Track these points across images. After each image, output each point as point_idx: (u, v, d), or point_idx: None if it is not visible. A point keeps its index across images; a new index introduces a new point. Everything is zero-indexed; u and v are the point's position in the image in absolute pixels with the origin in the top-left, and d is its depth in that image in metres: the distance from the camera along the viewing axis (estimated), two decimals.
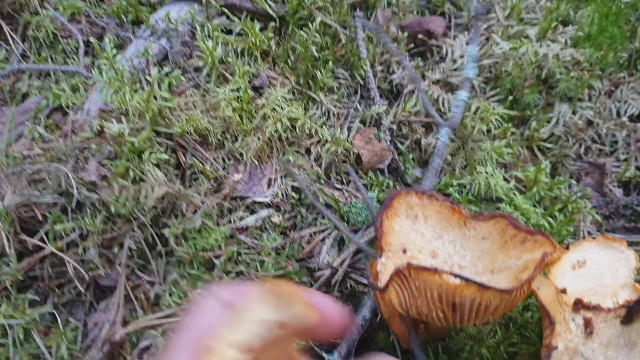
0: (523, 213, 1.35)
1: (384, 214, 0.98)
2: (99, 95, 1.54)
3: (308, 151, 1.51)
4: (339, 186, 1.46)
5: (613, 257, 1.17)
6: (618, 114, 1.54)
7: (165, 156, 1.40)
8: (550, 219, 1.36)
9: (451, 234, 1.01)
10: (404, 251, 0.97)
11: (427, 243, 1.00)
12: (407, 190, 1.02)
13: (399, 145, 1.52)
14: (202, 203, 1.41)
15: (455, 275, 0.81)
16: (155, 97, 1.46)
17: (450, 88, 1.58)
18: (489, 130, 1.51)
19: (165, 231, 1.37)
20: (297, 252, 1.39)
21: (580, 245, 1.19)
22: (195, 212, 1.40)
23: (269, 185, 1.47)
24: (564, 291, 1.03)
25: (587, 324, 0.97)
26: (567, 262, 1.12)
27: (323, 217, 1.43)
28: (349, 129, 1.54)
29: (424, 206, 1.02)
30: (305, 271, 1.38)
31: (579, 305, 0.98)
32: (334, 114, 1.54)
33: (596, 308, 0.98)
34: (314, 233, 1.42)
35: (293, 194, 1.44)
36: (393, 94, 1.61)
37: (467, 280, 0.80)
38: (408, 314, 0.92)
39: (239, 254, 1.37)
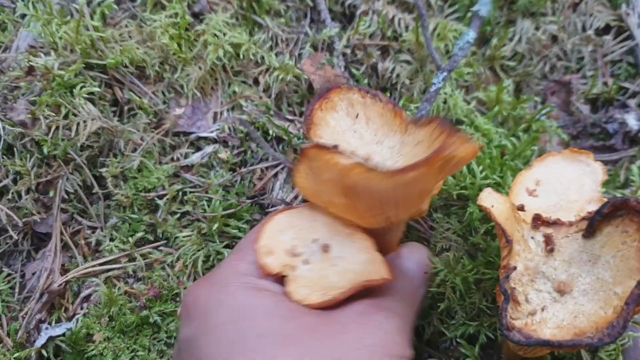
0: (484, 134, 1.28)
1: (317, 104, 0.89)
2: (28, 30, 1.40)
3: (256, 81, 1.40)
4: (290, 117, 1.36)
5: (579, 171, 1.10)
6: (583, 28, 1.45)
7: (97, 89, 1.28)
8: (513, 139, 1.28)
9: (392, 140, 0.92)
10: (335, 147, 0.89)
11: (364, 146, 0.92)
12: (348, 86, 0.93)
13: (354, 71, 1.42)
14: (142, 140, 1.30)
15: (348, 156, 0.73)
16: (87, 28, 1.33)
17: (407, 7, 1.47)
18: (448, 51, 1.41)
19: (103, 171, 1.27)
20: (248, 189, 1.30)
21: (544, 160, 1.11)
22: (134, 150, 1.30)
23: (214, 119, 1.36)
24: (521, 208, 0.95)
25: (548, 241, 0.90)
26: (530, 178, 1.05)
27: (275, 151, 1.33)
28: (300, 55, 1.43)
29: (367, 106, 0.93)
30: (257, 208, 1.29)
31: (538, 221, 0.91)
32: (282, 40, 1.42)
33: (556, 223, 0.91)
34: (266, 168, 1.33)
35: (241, 127, 1.34)
36: (346, 17, 1.50)
37: (356, 162, 0.73)
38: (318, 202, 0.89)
39: (184, 193, 1.28)
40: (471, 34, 1.28)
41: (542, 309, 0.84)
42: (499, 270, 0.87)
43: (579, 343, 0.75)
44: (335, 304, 0.84)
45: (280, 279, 0.88)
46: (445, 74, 1.23)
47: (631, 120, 1.35)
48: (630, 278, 0.80)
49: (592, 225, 0.87)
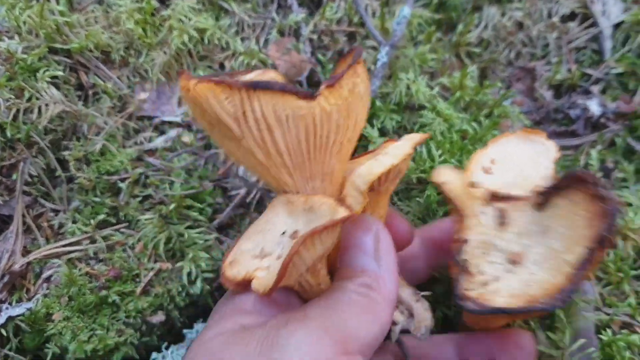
0: (446, 119, 1.28)
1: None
2: None
3: (222, 66, 1.40)
4: None
5: (533, 149, 1.11)
6: (549, 15, 1.46)
7: (61, 73, 1.29)
8: (474, 124, 1.29)
9: None
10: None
11: None
12: None
13: (321, 57, 1.42)
14: (105, 124, 1.31)
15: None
16: (52, 13, 1.34)
17: None
18: (413, 37, 1.42)
19: (66, 154, 1.27)
20: (212, 173, 1.31)
21: (499, 139, 1.12)
22: (98, 133, 1.31)
23: (179, 103, 1.37)
24: (473, 185, 0.96)
25: (501, 215, 0.91)
26: (486, 157, 1.06)
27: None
28: (267, 41, 1.44)
29: None
30: (220, 191, 1.30)
31: (491, 197, 0.93)
32: (248, 25, 1.43)
33: (509, 198, 0.93)
34: None
35: None
36: (314, 3, 1.50)
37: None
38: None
39: (146, 176, 1.28)
40: (406, 10, 1.33)
41: (496, 280, 0.85)
42: (452, 244, 0.88)
43: (532, 309, 0.76)
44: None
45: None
46: (387, 48, 1.29)
47: (593, 106, 1.36)
48: (579, 245, 0.81)
49: (544, 198, 0.88)
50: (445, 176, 0.91)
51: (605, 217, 0.78)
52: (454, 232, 0.90)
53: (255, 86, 0.73)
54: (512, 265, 0.86)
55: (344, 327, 0.74)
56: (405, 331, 0.87)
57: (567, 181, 0.88)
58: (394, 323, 0.87)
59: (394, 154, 0.84)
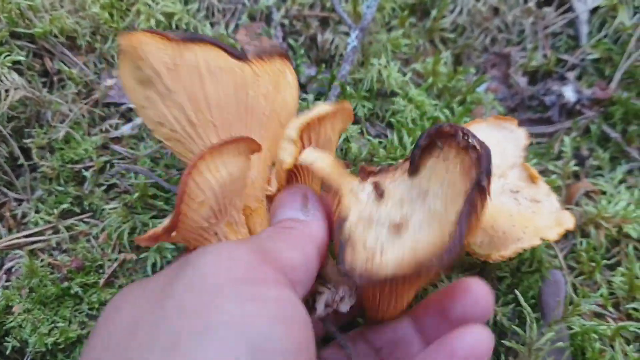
0: (418, 106, 1.26)
1: None
2: None
3: None
4: None
5: (502, 136, 1.09)
6: (525, 0, 1.43)
7: (23, 58, 1.25)
8: (447, 111, 1.27)
9: None
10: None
11: None
12: None
13: (292, 43, 1.39)
14: (70, 111, 1.28)
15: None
16: None
17: None
18: (387, 22, 1.39)
19: (29, 142, 1.24)
20: (178, 161, 1.28)
21: (469, 126, 1.11)
22: (62, 121, 1.27)
23: None
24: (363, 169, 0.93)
25: (376, 188, 0.87)
26: None
27: None
28: (237, 26, 1.40)
29: None
30: None
31: (364, 172, 0.89)
32: (218, 10, 1.40)
33: (382, 171, 0.89)
34: None
35: None
36: None
37: None
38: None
39: (112, 165, 1.25)
40: None
41: (381, 251, 0.80)
42: (333, 222, 0.85)
43: (421, 270, 0.72)
44: None
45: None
46: (357, 32, 1.26)
47: (568, 92, 1.34)
48: (459, 200, 0.78)
49: (414, 161, 0.85)
50: (313, 157, 0.85)
51: (478, 165, 0.75)
52: (333, 212, 0.85)
53: (189, 38, 0.80)
54: (396, 235, 0.82)
55: (263, 245, 0.73)
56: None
57: (435, 138, 0.84)
58: (318, 292, 0.85)
59: (318, 108, 0.86)
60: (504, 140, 1.05)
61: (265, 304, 0.62)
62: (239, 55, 0.84)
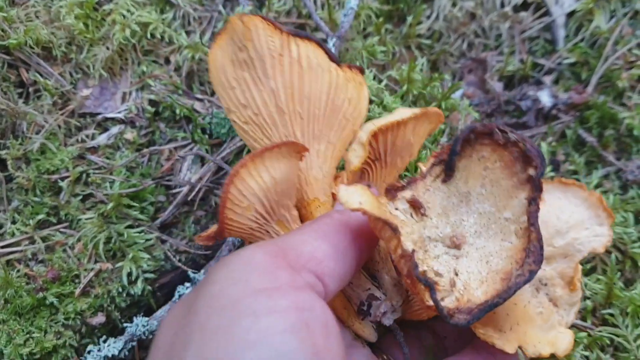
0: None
1: None
2: None
3: (167, 60, 1.37)
4: (200, 96, 1.34)
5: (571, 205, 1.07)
6: (502, 5, 1.43)
7: None
8: None
9: None
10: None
11: None
12: None
13: None
14: (45, 122, 1.28)
15: None
16: None
17: None
18: (364, 29, 1.39)
19: (4, 153, 1.25)
20: (155, 170, 1.29)
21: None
22: (38, 132, 1.28)
23: (123, 99, 1.34)
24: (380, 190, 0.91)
25: (413, 203, 0.80)
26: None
27: (184, 132, 1.32)
28: (213, 34, 1.41)
29: None
30: (163, 189, 1.28)
31: (392, 190, 0.81)
32: (194, 18, 1.40)
33: (410, 182, 0.82)
34: (174, 149, 1.31)
35: (149, 107, 1.32)
36: None
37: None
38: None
39: (87, 175, 1.26)
40: (353, 2, 1.30)
41: (456, 274, 0.76)
42: (394, 264, 0.75)
43: (515, 287, 0.69)
44: None
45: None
46: (334, 40, 1.26)
47: (544, 97, 1.34)
48: (511, 197, 0.76)
49: (450, 165, 0.80)
50: (356, 196, 0.70)
51: (527, 159, 0.73)
52: (391, 251, 0.73)
53: (298, 34, 0.87)
54: (458, 250, 0.78)
55: (286, 241, 0.71)
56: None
57: (466, 141, 0.79)
58: (375, 298, 0.83)
59: (399, 112, 0.87)
60: (574, 211, 0.91)
61: (280, 314, 0.61)
62: (337, 59, 0.91)
